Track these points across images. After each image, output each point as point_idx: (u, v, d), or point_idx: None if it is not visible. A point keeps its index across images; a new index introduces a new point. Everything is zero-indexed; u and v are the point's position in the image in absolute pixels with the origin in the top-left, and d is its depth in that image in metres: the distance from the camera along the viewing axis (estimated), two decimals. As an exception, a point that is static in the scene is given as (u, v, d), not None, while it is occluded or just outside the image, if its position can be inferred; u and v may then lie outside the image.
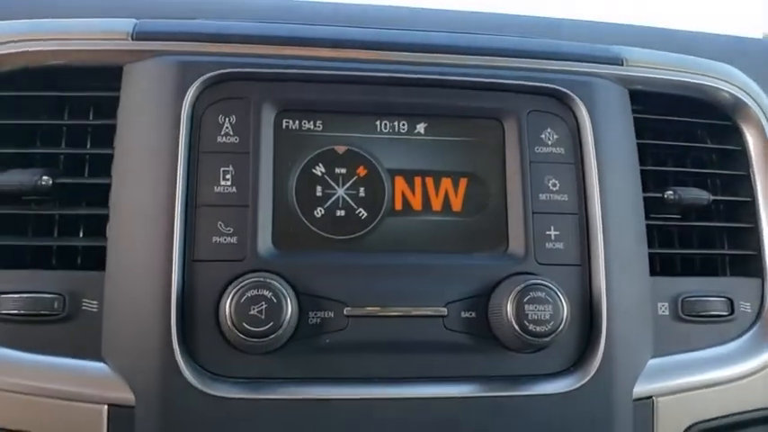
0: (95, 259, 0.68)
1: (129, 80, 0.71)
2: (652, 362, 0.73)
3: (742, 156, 0.84)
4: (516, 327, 0.66)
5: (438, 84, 0.73)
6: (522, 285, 0.67)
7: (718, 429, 0.74)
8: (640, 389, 0.71)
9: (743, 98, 0.83)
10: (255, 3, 0.94)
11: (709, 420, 0.74)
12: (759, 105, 0.84)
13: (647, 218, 0.77)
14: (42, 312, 0.67)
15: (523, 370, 0.69)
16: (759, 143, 0.83)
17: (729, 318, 0.78)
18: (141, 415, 0.64)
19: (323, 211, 0.70)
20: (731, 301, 0.78)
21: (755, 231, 0.81)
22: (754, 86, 0.85)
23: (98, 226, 0.70)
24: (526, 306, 0.66)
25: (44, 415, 0.65)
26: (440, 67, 0.74)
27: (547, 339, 0.66)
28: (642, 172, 0.78)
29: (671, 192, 0.80)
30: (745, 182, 0.83)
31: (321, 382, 0.66)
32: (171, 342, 0.64)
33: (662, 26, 1.01)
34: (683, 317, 0.77)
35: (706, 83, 0.83)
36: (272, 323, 0.63)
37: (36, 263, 0.70)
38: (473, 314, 0.68)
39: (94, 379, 0.65)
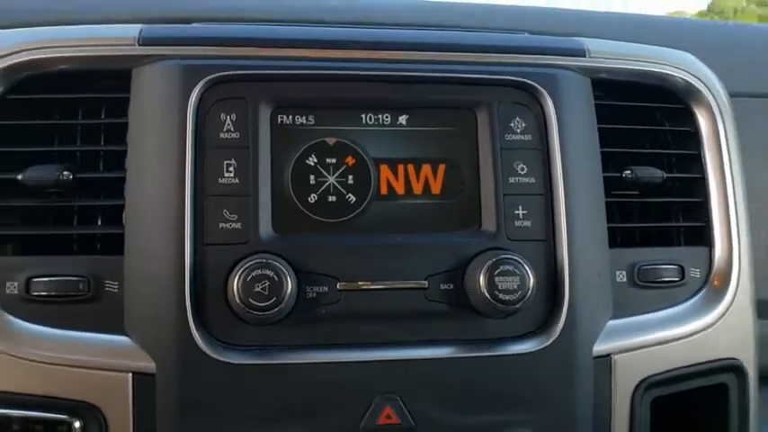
0: (114, 245, 0.76)
1: (137, 82, 0.78)
2: (610, 323, 0.81)
3: (694, 137, 0.91)
4: (488, 296, 0.74)
5: (417, 80, 0.80)
6: (494, 260, 0.75)
7: (668, 381, 0.84)
8: (600, 348, 0.80)
9: (695, 83, 0.90)
10: (251, 3, 1.01)
11: (659, 374, 0.83)
12: (710, 90, 0.91)
13: (608, 195, 0.84)
14: (70, 293, 0.74)
15: (495, 333, 0.78)
16: (709, 125, 0.90)
17: (680, 283, 0.87)
18: (162, 381, 0.73)
19: (316, 198, 0.77)
20: (682, 268, 0.87)
21: (705, 205, 0.89)
22: (706, 72, 0.92)
23: (114, 215, 0.77)
24: (497, 278, 0.74)
25: (76, 384, 0.73)
26: (419, 64, 0.81)
27: (515, 306, 0.75)
28: (603, 154, 0.85)
29: (629, 171, 0.87)
30: (696, 160, 0.91)
31: (319, 348, 0.75)
32: (186, 316, 0.72)
33: (619, 12, 1.09)
34: (639, 283, 0.85)
35: (662, 70, 0.89)
36: (274, 298, 0.71)
37: (59, 250, 0.77)
38: (451, 285, 0.77)
39: (119, 351, 0.73)
